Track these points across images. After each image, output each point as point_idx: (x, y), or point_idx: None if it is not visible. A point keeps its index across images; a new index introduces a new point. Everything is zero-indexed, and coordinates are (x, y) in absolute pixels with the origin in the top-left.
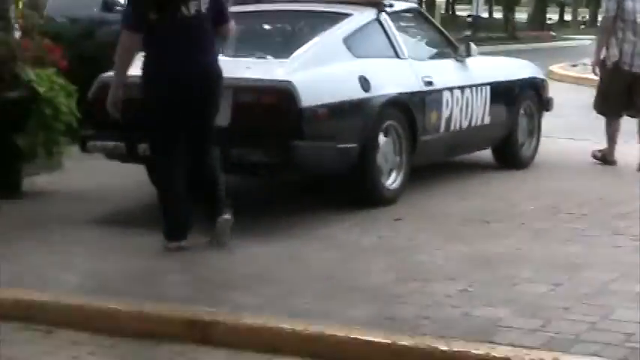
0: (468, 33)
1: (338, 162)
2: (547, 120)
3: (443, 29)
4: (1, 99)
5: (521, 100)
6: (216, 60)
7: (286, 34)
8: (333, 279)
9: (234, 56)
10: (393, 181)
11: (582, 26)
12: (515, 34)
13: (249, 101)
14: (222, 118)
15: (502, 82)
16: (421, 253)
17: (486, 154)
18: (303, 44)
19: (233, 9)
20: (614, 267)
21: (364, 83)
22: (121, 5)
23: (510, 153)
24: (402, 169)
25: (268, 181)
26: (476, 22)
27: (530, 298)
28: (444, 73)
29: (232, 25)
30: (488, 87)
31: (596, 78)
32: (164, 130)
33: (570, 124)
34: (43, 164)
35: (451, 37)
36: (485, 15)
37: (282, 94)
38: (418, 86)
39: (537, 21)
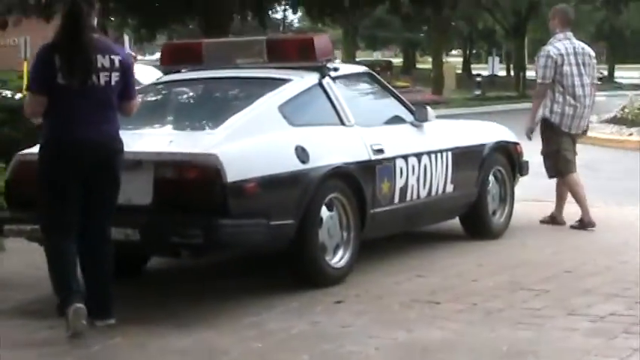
0: (478, 92)
1: (271, 240)
2: (543, 182)
3: (397, 93)
4: None
5: (489, 166)
6: (118, 133)
7: (218, 103)
8: None
9: (158, 128)
10: (339, 258)
11: (599, 82)
12: (525, 92)
13: (171, 177)
14: (144, 196)
15: (465, 147)
16: (352, 343)
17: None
18: (234, 113)
19: (163, 78)
20: (562, 356)
21: (301, 154)
22: None
23: (479, 222)
24: (350, 245)
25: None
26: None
27: None
28: (398, 139)
29: (136, 102)
30: (449, 153)
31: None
32: (58, 203)
33: None
34: None
35: (407, 101)
36: (503, 73)
37: (206, 169)
38: (366, 155)
39: None
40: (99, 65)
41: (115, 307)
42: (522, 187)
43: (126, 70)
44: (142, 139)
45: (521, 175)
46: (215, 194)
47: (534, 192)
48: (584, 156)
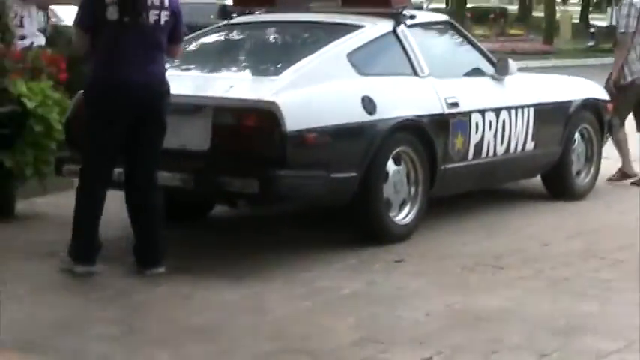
0: (592, 44)
1: (333, 193)
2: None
3: (479, 45)
4: None
5: (575, 124)
6: (165, 75)
7: (286, 48)
8: (284, 338)
9: (221, 72)
10: (405, 215)
11: None
12: None
13: (229, 124)
14: (201, 141)
15: (550, 103)
16: (404, 307)
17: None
18: (301, 59)
19: (234, 20)
20: (623, 333)
21: (368, 105)
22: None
23: (562, 183)
24: (417, 202)
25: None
26: (599, 33)
27: None
28: (475, 93)
29: (181, 48)
30: (530, 109)
31: None
32: (102, 143)
33: None
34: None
35: (488, 53)
36: None
37: (265, 117)
38: (439, 108)
39: None
40: (149, 3)
41: (168, 255)
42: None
43: (175, 11)
44: (203, 83)
45: (611, 134)
46: (273, 143)
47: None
48: None
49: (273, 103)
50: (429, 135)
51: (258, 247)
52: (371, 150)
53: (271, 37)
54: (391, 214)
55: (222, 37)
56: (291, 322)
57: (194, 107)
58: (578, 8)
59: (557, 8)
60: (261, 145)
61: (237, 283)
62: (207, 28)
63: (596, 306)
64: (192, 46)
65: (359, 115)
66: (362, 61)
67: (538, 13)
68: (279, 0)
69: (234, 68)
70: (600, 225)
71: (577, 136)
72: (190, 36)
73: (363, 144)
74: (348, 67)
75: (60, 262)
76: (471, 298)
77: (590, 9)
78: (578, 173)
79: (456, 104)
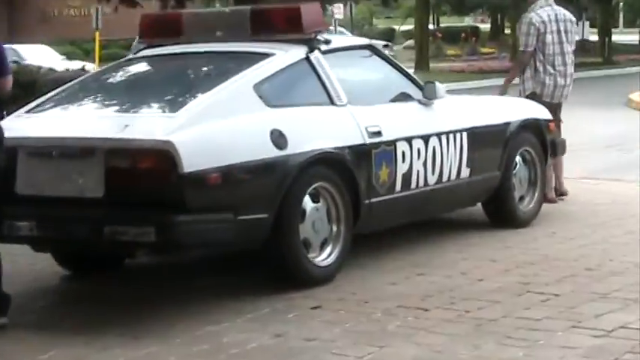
0: None
1: (241, 237)
2: (608, 157)
3: (404, 68)
4: None
5: (515, 147)
6: None
7: (187, 82)
8: None
9: (116, 111)
10: (326, 255)
11: None
12: (611, 58)
13: (123, 167)
14: (96, 188)
15: (484, 126)
16: None
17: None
18: (202, 93)
19: (139, 53)
20: None
21: (278, 139)
22: None
23: (503, 209)
24: (340, 241)
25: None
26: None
27: None
28: (400, 119)
29: (8, 80)
30: (463, 134)
31: None
32: None
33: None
34: None
35: (415, 77)
36: (596, 38)
37: (160, 157)
38: (359, 138)
39: None
40: None
41: (66, 310)
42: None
43: None
44: (96, 123)
45: (555, 155)
46: (170, 186)
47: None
48: None
49: (168, 143)
50: (349, 168)
51: (163, 298)
52: (283, 187)
53: (175, 71)
54: (311, 256)
55: (123, 73)
56: None
57: (88, 150)
58: None
59: None
60: (157, 188)
61: (133, 344)
62: (110, 64)
63: (521, 352)
64: (90, 83)
65: (267, 151)
66: (271, 91)
67: (510, 30)
68: (186, 30)
69: (131, 106)
70: (540, 256)
71: (518, 159)
72: (88, 74)
73: (273, 181)
74: (255, 99)
75: None
76: (385, 349)
77: None
78: (522, 198)
79: (378, 133)
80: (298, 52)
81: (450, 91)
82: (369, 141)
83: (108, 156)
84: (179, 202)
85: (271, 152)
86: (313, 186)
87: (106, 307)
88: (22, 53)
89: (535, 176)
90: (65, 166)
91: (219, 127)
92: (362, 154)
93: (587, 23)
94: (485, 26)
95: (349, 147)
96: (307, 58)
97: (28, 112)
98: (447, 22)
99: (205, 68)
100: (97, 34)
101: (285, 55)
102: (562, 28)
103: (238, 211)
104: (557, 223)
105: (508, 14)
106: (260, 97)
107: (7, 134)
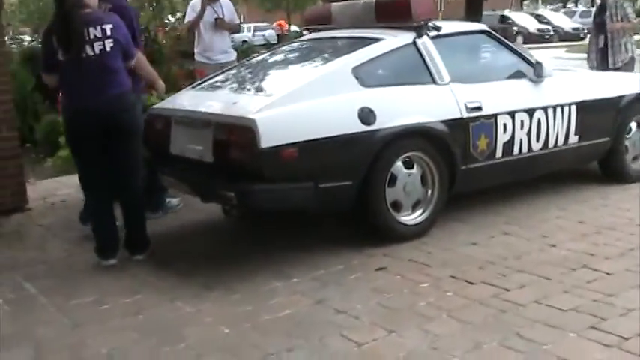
0: None
1: (324, 202)
2: None
3: (518, 49)
4: None
5: (629, 116)
6: (123, 93)
7: (300, 64)
8: None
9: (239, 90)
10: (418, 215)
11: None
12: None
13: (222, 139)
14: (208, 155)
15: (594, 100)
16: (320, 337)
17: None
18: (305, 75)
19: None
20: None
21: (366, 115)
22: None
23: (615, 169)
24: (432, 202)
25: None
26: None
27: None
28: (504, 95)
29: (134, 61)
30: (572, 106)
31: None
32: (79, 164)
33: None
34: None
35: (528, 56)
36: None
37: (243, 133)
38: (456, 112)
39: None
40: (91, 37)
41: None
42: None
43: (119, 36)
44: (218, 100)
45: None
46: (250, 159)
47: None
48: None
49: (251, 120)
50: (443, 139)
51: (251, 251)
52: (367, 159)
53: (297, 55)
54: (402, 215)
55: (271, 55)
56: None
57: (204, 122)
58: None
59: None
60: (241, 160)
61: (203, 293)
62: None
63: (521, 357)
64: (244, 64)
65: (352, 127)
66: (370, 73)
67: None
68: (335, 19)
69: (252, 86)
70: (627, 220)
71: (633, 124)
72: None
73: (358, 154)
74: (351, 80)
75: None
76: (392, 335)
77: None
78: (636, 158)
79: (478, 108)
80: (406, 37)
81: None
82: (466, 115)
83: (216, 128)
84: (259, 173)
85: (356, 127)
86: (405, 155)
87: (227, 248)
88: None
89: None
90: (194, 134)
91: (306, 106)
92: (458, 126)
93: None
94: None
95: (445, 121)
96: (414, 43)
97: (193, 87)
98: None
99: (322, 52)
100: None
101: (393, 39)
102: None
103: (319, 180)
104: None
105: None
106: (357, 78)
107: (167, 105)
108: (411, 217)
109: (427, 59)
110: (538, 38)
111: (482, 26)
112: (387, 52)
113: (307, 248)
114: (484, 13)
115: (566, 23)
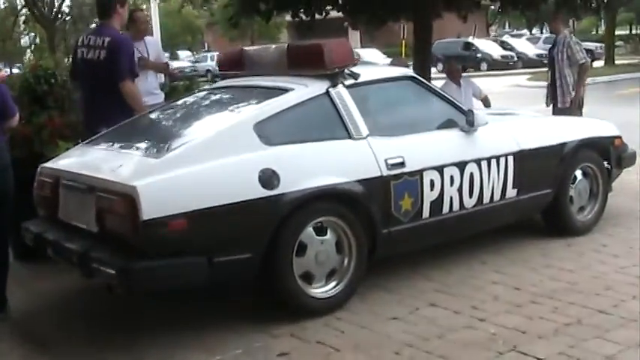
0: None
1: (220, 277)
2: None
3: (447, 96)
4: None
5: (573, 165)
6: None
7: (197, 120)
8: None
9: (128, 149)
10: (331, 287)
11: None
12: None
13: (104, 207)
14: (92, 223)
15: (534, 149)
16: None
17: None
18: (199, 134)
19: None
20: None
21: (268, 178)
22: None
23: (559, 220)
24: (349, 271)
25: None
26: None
27: None
28: (430, 149)
29: (15, 120)
30: (509, 157)
31: None
32: None
33: None
34: None
35: (459, 105)
36: None
37: (127, 202)
38: (375, 170)
39: None
40: None
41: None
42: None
43: None
44: (105, 161)
45: (621, 168)
46: (131, 232)
47: None
48: None
49: (132, 188)
50: (359, 200)
51: (150, 321)
52: (270, 227)
53: (199, 106)
54: (313, 288)
55: (172, 107)
56: None
57: (90, 187)
58: None
59: None
60: (123, 232)
61: None
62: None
63: None
64: (140, 118)
65: (252, 192)
66: (274, 129)
67: None
68: (246, 64)
69: (141, 145)
70: (567, 284)
71: (579, 173)
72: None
73: (258, 222)
74: (252, 139)
75: None
76: None
77: None
78: (582, 209)
79: (401, 164)
80: (319, 86)
81: None
82: (386, 173)
83: (98, 195)
84: (140, 248)
85: (256, 192)
86: (316, 221)
87: (109, 326)
88: None
89: (597, 188)
90: (80, 199)
91: (197, 169)
92: (378, 185)
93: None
94: None
95: (361, 180)
96: (327, 93)
97: (89, 142)
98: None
99: (230, 103)
100: None
101: (303, 89)
102: None
103: (214, 254)
104: (613, 229)
105: None
106: (259, 135)
107: (56, 164)
108: (325, 289)
109: (342, 111)
110: (502, 65)
111: (408, 71)
112: (296, 105)
113: (205, 326)
114: (448, 40)
115: (529, 49)
